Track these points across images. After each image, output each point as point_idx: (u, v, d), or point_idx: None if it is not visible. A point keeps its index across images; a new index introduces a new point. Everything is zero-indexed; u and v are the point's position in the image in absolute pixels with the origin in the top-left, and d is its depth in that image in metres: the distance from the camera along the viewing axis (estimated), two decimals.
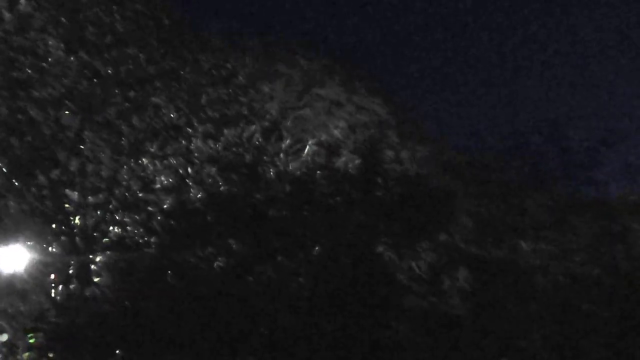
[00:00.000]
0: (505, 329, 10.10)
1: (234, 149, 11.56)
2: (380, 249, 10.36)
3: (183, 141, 11.29)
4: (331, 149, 11.72)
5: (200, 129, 11.68)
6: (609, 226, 10.03)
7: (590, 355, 10.02)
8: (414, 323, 10.84)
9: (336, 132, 12.19)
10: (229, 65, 12.53)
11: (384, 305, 10.49)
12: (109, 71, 11.45)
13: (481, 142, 11.16)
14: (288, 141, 12.31)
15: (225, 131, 11.75)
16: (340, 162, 11.64)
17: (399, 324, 10.88)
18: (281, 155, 12.05)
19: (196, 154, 11.47)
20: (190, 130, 11.53)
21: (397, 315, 10.92)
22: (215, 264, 10.20)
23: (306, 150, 12.14)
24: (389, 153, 11.77)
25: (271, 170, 11.65)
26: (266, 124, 12.31)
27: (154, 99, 11.50)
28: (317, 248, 10.06)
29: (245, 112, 12.24)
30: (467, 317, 10.30)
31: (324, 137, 12.18)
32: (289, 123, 12.51)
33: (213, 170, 10.82)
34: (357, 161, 11.18)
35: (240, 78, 12.62)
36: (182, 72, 12.21)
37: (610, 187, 10.38)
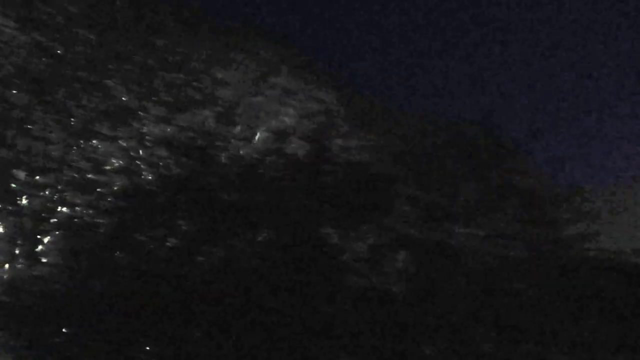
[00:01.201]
0: (439, 305, 10.66)
1: (186, 133, 11.59)
2: (325, 231, 10.68)
3: (135, 124, 11.22)
4: (282, 136, 11.94)
5: (153, 112, 11.62)
6: (535, 213, 10.77)
7: (514, 327, 10.74)
8: (355, 300, 11.27)
9: (287, 120, 12.41)
10: (182, 50, 12.52)
11: (327, 284, 10.85)
12: (60, 51, 11.23)
13: (421, 132, 11.69)
14: (240, 127, 12.43)
15: (178, 115, 11.77)
16: (290, 148, 11.87)
17: (341, 301, 11.28)
18: (233, 140, 12.17)
19: (148, 137, 11.42)
20: (143, 114, 11.47)
21: (340, 293, 11.32)
22: (165, 245, 10.27)
23: (257, 136, 12.31)
24: (338, 141, 12.09)
25: (223, 154, 11.75)
26: (219, 109, 12.36)
27: (106, 81, 11.36)
28: (265, 230, 10.28)
29: (199, 98, 12.27)
30: (405, 295, 10.80)
31: (275, 124, 12.38)
32: (241, 109, 12.62)
33: (165, 153, 10.84)
34: (306, 148, 11.44)
35: (194, 64, 12.63)
36: (135, 56, 12.10)
37: (537, 177, 11.13)
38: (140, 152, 11.05)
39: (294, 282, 10.63)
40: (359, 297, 11.24)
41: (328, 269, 11.00)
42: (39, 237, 10.29)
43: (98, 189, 10.45)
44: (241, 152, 11.99)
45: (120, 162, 10.76)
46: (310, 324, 10.90)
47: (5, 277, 9.69)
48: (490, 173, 11.04)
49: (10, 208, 10.12)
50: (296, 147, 11.80)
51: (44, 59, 11.04)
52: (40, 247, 10.18)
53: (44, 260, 10.11)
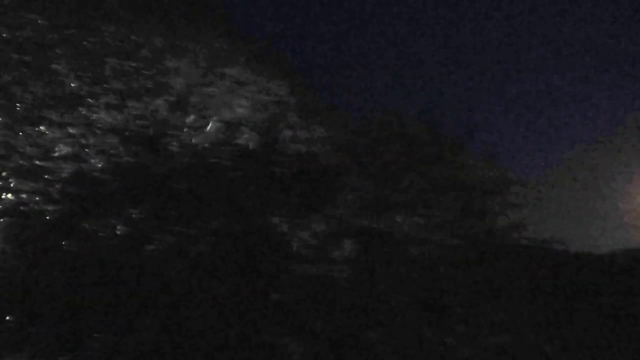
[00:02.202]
0: (382, 291, 11.15)
1: (137, 121, 11.45)
2: (275, 220, 10.90)
3: (84, 111, 10.99)
4: (233, 126, 12.01)
5: (102, 99, 11.41)
6: (470, 204, 11.40)
7: (452, 311, 11.38)
8: (303, 287, 11.58)
9: (239, 110, 12.47)
10: (134, 38, 12.31)
11: (276, 272, 11.10)
12: (6, 35, 10.82)
13: (366, 126, 12.07)
14: (192, 117, 12.39)
15: (129, 103, 11.60)
16: (241, 139, 11.97)
17: (290, 288, 11.57)
18: (185, 129, 12.12)
19: (98, 125, 11.21)
20: (92, 101, 11.24)
21: (289, 281, 11.60)
22: (115, 233, 10.20)
23: (209, 126, 12.32)
24: (288, 132, 12.29)
25: (174, 143, 11.70)
26: (171, 98, 12.27)
27: (54, 66, 11.05)
28: (215, 218, 10.38)
29: (150, 86, 12.12)
30: (350, 282, 11.21)
31: (227, 115, 12.43)
32: (193, 99, 12.58)
33: (115, 141, 10.70)
34: (257, 139, 11.58)
35: (146, 52, 12.45)
36: (84, 41, 11.81)
37: (472, 170, 11.75)
38: (90, 139, 10.86)
39: (243, 270, 10.81)
40: (306, 284, 11.57)
41: (276, 257, 11.23)
42: None
43: (45, 176, 10.21)
44: (193, 141, 11.97)
45: (69, 149, 10.54)
46: (259, 310, 11.13)
47: None
48: (431, 166, 11.56)
49: None
50: (247, 137, 11.91)
51: None
52: None
53: None
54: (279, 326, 11.47)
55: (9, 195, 10.03)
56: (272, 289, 11.01)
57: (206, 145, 11.70)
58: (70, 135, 10.69)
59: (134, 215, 10.11)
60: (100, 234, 9.95)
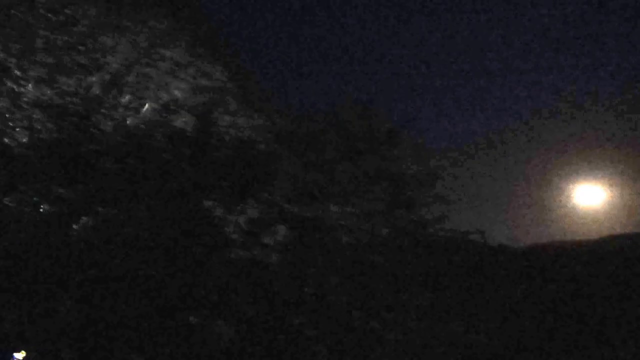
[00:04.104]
0: (313, 276, 11.15)
1: (68, 98, 10.74)
2: (209, 204, 10.63)
3: (10, 83, 10.19)
4: (170, 108, 11.55)
5: (31, 73, 10.62)
6: (399, 195, 11.59)
7: (379, 297, 11.57)
8: (237, 271, 11.38)
9: (177, 93, 11.99)
10: (68, 12, 11.51)
11: (210, 255, 10.82)
12: None
13: (304, 115, 11.99)
14: (128, 96, 11.81)
15: (60, 78, 10.87)
16: (178, 121, 11.54)
17: (223, 272, 11.33)
18: (120, 109, 11.54)
19: (25, 99, 10.45)
20: (20, 73, 10.45)
21: (222, 265, 11.36)
22: (38, 211, 9.57)
23: (146, 106, 11.79)
24: (226, 118, 11.98)
25: (108, 122, 11.09)
26: (107, 76, 11.62)
27: None
28: (147, 201, 9.96)
29: (84, 62, 11.41)
30: (282, 267, 11.14)
31: (165, 97, 11.93)
32: (130, 79, 11.98)
33: (42, 116, 9.99)
34: (195, 122, 11.20)
35: (81, 27, 11.69)
36: (14, 11, 10.93)
37: (403, 163, 11.97)
38: (15, 113, 10.09)
39: (176, 252, 10.46)
40: (239, 268, 11.37)
41: (210, 241, 10.95)
42: None
43: None
44: (128, 121, 11.43)
45: None
46: (189, 293, 10.83)
47: None
48: (365, 157, 11.65)
49: None
50: (185, 120, 11.51)
51: None
52: None
53: None
54: (209, 309, 11.23)
55: None
56: (204, 272, 10.74)
57: (141, 126, 11.20)
58: None
59: (59, 194, 9.51)
60: (22, 212, 9.31)
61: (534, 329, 16.61)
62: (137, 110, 11.57)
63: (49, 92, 10.58)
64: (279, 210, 10.90)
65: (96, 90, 11.31)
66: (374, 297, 11.59)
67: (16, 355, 9.20)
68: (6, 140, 9.79)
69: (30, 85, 10.49)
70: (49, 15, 11.08)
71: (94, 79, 11.29)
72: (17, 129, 10.02)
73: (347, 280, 11.17)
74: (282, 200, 10.85)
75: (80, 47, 11.35)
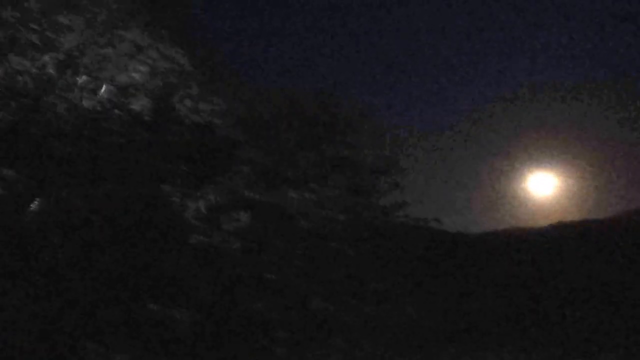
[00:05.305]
0: (271, 262, 11.08)
1: (19, 77, 10.20)
2: (167, 189, 10.35)
3: None
4: (128, 91, 11.13)
5: None
6: (358, 182, 11.63)
7: (336, 283, 11.63)
8: (197, 258, 11.19)
9: (136, 76, 11.56)
10: None
11: (167, 240, 10.58)
12: None
13: (265, 102, 11.81)
14: (84, 78, 11.30)
15: (10, 57, 10.28)
16: (136, 104, 11.13)
17: (182, 259, 11.11)
18: (75, 90, 11.03)
19: None
20: None
21: (182, 251, 11.13)
22: None
23: (103, 89, 11.32)
24: (187, 102, 11.64)
25: (62, 104, 10.62)
26: (61, 57, 11.08)
27: None
28: (102, 183, 9.61)
29: (37, 41, 10.83)
30: (241, 253, 11.01)
31: (122, 79, 11.47)
32: (87, 60, 11.46)
33: None
34: (153, 106, 10.84)
35: (34, 3, 11.07)
36: None
37: (362, 151, 11.99)
38: None
39: (132, 237, 10.17)
40: (198, 254, 11.18)
41: (168, 226, 10.70)
42: None
43: None
44: (83, 103, 10.95)
45: None
46: (148, 279, 10.57)
47: None
48: (325, 145, 11.59)
49: None
50: (143, 104, 11.11)
51: None
52: None
53: None
54: (167, 296, 11.00)
55: None
56: (162, 258, 10.49)
57: (97, 108, 10.75)
58: None
59: (9, 177, 9.05)
60: None
61: (488, 311, 17.13)
62: (94, 92, 11.09)
63: None
64: (238, 196, 10.73)
65: (50, 70, 10.77)
66: (332, 282, 11.64)
67: None
68: None
69: None
70: None
71: (47, 58, 10.73)
72: None
73: (305, 265, 11.15)
74: (241, 186, 10.68)
75: (32, 25, 10.76)
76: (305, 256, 11.11)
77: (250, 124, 11.20)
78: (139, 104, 11.10)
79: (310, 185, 11.10)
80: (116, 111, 10.52)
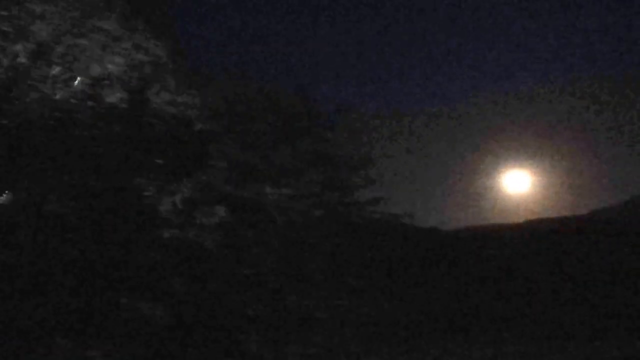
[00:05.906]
0: (249, 257, 11.01)
1: None
2: (141, 182, 10.18)
3: None
4: (103, 83, 10.90)
5: None
6: (334, 178, 11.61)
7: (313, 278, 11.62)
8: (172, 253, 11.04)
9: (111, 67, 11.32)
10: None
11: (142, 235, 10.41)
12: None
13: (243, 96, 11.68)
14: (58, 68, 11.02)
15: None
16: (111, 96, 10.91)
17: (157, 253, 10.95)
18: (48, 81, 10.76)
19: None
20: None
21: (156, 245, 10.97)
22: None
23: (77, 80, 11.06)
24: (163, 94, 11.45)
25: (33, 95, 10.33)
26: (33, 46, 10.79)
27: None
28: (74, 175, 9.40)
29: (8, 29, 10.52)
30: (218, 248, 10.91)
31: (97, 70, 11.23)
32: (60, 50, 11.18)
33: None
34: (128, 98, 10.63)
35: None
36: None
37: (338, 147, 11.99)
38: None
39: (105, 230, 9.99)
40: (173, 249, 11.03)
41: (142, 220, 10.53)
42: None
43: None
44: (56, 94, 10.68)
45: None
46: (120, 272, 10.39)
47: None
48: (301, 140, 11.54)
49: None
50: (118, 96, 10.89)
51: None
52: None
53: None
54: (140, 291, 10.84)
55: None
56: (139, 253, 10.32)
57: (71, 100, 10.50)
58: None
59: None
60: None
61: (462, 306, 17.35)
62: (67, 83, 10.83)
63: None
64: (214, 190, 10.62)
65: (22, 59, 10.47)
66: (308, 278, 11.61)
67: None
68: None
69: None
70: None
71: (18, 47, 10.43)
72: None
73: (282, 260, 11.11)
74: (217, 180, 10.56)
75: (3, 12, 10.44)
76: (281, 251, 11.06)
77: (226, 118, 11.08)
78: (114, 96, 10.88)
79: (286, 180, 11.05)
80: (90, 103, 10.29)
